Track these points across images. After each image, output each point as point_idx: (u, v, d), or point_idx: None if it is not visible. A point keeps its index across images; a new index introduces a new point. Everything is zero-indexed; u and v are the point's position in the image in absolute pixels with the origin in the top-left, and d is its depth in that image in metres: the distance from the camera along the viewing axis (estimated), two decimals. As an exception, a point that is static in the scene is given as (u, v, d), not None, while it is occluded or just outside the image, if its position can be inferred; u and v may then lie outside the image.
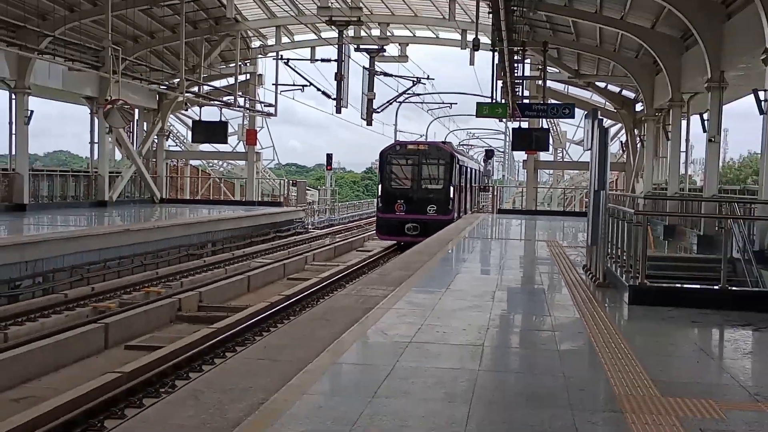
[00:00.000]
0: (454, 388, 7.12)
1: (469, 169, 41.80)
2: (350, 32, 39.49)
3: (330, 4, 37.58)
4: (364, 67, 40.74)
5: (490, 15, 26.95)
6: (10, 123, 34.35)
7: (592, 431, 6.04)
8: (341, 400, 6.74)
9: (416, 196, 33.56)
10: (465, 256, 20.23)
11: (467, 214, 37.98)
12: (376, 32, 43.23)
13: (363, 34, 41.87)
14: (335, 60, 39.20)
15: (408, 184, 34.24)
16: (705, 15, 24.33)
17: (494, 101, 35.44)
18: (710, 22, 24.23)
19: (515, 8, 26.50)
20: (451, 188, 33.73)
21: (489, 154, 60.90)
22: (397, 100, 47.14)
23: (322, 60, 43.15)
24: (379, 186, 35.41)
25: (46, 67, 34.49)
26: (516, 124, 39.90)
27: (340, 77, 38.53)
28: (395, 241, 33.36)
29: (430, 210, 33.02)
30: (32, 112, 34.49)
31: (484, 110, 35.03)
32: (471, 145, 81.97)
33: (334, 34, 38.35)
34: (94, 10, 33.47)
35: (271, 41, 46.08)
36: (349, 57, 39.45)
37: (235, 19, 41.03)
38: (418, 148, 35.23)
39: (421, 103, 56.78)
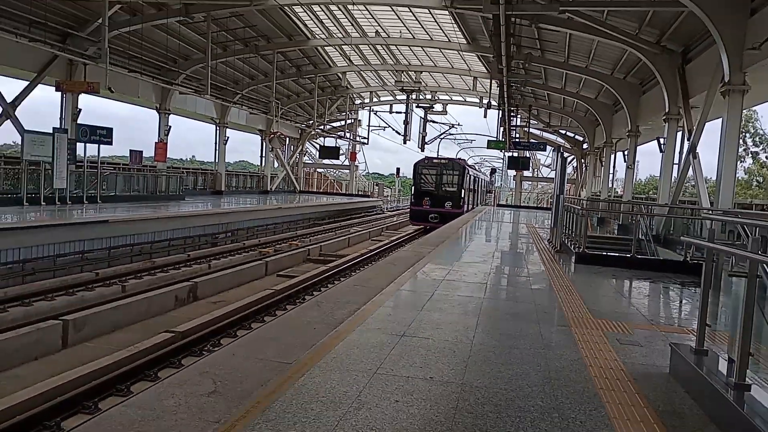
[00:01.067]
0: (468, 308, 7.12)
1: (478, 178, 39.33)
2: (413, 96, 39.35)
3: (402, 79, 37.63)
4: (420, 117, 40.57)
5: (498, 88, 26.77)
6: (215, 144, 35.12)
7: (550, 337, 6.00)
8: (401, 311, 6.78)
9: (438, 195, 29.28)
10: (476, 231, 20.08)
11: (477, 207, 37.08)
12: (428, 96, 43.16)
13: (421, 97, 41.79)
14: (404, 112, 39.11)
15: (432, 186, 29.69)
16: (628, 91, 23.81)
17: (498, 139, 35.20)
18: (631, 96, 23.74)
19: (513, 85, 26.38)
20: (463, 190, 29.61)
21: (493, 171, 59.92)
22: (440, 137, 46.77)
23: (396, 112, 43.19)
24: (412, 187, 30.70)
25: (237, 111, 35.09)
26: (510, 154, 39.58)
27: (406, 122, 38.42)
28: (422, 226, 29.05)
29: (447, 205, 28.83)
30: (228, 137, 35.23)
31: (491, 144, 34.91)
32: (481, 164, 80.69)
33: (404, 96, 38.31)
34: (265, 79, 33.91)
35: (366, 100, 46.21)
36: (412, 110, 39.29)
37: (346, 87, 41.26)
38: (440, 162, 30.78)
39: (454, 139, 56.45)
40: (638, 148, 24.80)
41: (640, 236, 13.62)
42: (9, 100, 19.93)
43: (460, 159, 35.02)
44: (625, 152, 25.64)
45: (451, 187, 29.79)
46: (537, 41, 23.47)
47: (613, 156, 31.83)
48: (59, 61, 21.36)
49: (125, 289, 12.19)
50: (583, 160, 42.56)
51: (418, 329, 5.99)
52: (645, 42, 18.27)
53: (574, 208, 14.12)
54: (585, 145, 41.29)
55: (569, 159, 45.93)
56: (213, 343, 8.93)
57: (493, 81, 28.16)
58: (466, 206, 30.73)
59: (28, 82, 20.97)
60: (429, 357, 5.11)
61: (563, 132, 44.19)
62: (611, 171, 31.96)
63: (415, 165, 30.71)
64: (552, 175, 45.24)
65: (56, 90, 20.74)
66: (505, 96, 27.21)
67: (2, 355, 7.76)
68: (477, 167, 54.76)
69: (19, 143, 18.80)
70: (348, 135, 45.72)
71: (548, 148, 37.24)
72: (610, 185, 31.88)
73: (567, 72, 26.54)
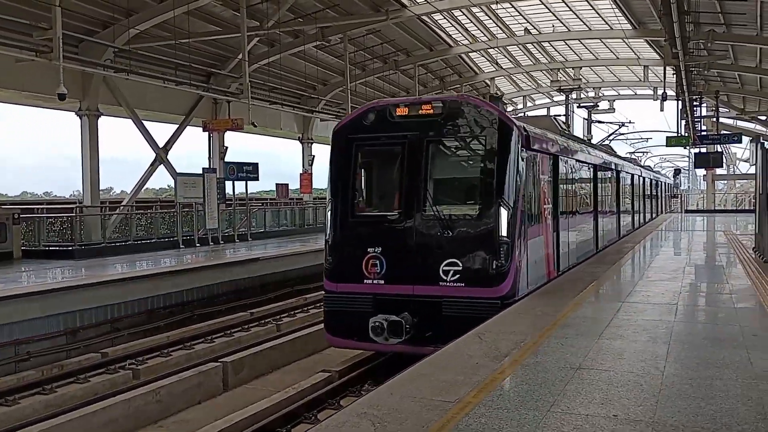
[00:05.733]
0: (656, 334, 6.74)
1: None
2: (573, 95, 38.26)
3: (558, 78, 36.82)
4: (584, 118, 39.20)
5: (674, 75, 25.43)
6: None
7: (763, 365, 5.50)
8: (574, 340, 6.56)
9: (416, 236, 8.30)
10: (661, 243, 18.90)
11: (660, 216, 33.64)
12: (591, 93, 41.78)
13: (582, 95, 40.55)
14: (564, 114, 38.10)
15: (394, 205, 8.76)
16: None
17: (679, 134, 33.17)
18: None
19: (693, 70, 24.82)
20: (517, 212, 8.29)
21: (676, 172, 56.28)
22: (609, 138, 44.87)
23: (555, 115, 42.19)
24: (328, 213, 9.44)
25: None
26: (696, 150, 37.09)
27: (567, 125, 37.38)
28: (357, 350, 9.60)
29: (450, 275, 8.09)
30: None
31: (672, 141, 32.97)
32: (661, 163, 75.27)
33: (562, 97, 37.41)
34: (407, 96, 34.68)
35: (520, 105, 45.69)
36: (573, 112, 38.16)
37: (495, 94, 41.09)
38: (420, 113, 8.46)
39: (626, 139, 53.70)
40: None
41: None
42: (161, 145, 22.29)
43: (493, 105, 9.18)
44: None
45: (470, 202, 8.88)
46: (720, 15, 21.98)
47: (833, 140, 28.78)
48: (204, 101, 23.58)
49: (280, 328, 13.00)
50: (793, 149, 38.83)
51: (596, 360, 5.78)
52: None
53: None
54: (794, 131, 37.76)
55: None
56: (371, 382, 9.20)
57: (667, 68, 26.62)
58: (523, 277, 8.86)
59: (177, 126, 23.35)
60: (611, 392, 4.91)
61: (763, 118, 40.75)
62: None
63: (337, 135, 9.36)
64: (752, 171, 41.66)
65: (203, 130, 22.89)
66: (684, 83, 25.55)
67: (169, 399, 8.61)
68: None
69: (173, 186, 20.89)
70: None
71: (744, 139, 34.33)
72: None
73: (762, 46, 24.77)
